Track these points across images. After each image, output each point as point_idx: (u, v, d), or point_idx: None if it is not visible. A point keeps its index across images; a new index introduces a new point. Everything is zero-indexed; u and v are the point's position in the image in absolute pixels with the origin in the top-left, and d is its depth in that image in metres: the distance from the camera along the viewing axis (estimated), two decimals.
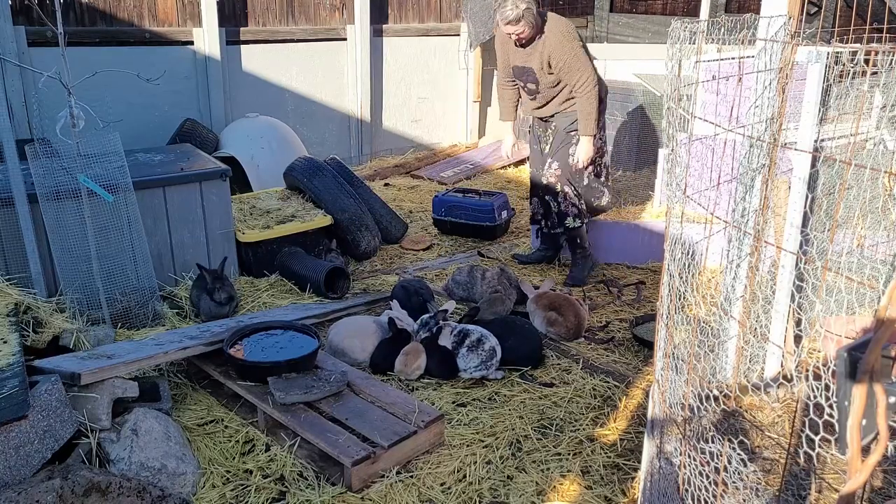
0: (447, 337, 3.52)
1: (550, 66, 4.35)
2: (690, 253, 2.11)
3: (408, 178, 7.45)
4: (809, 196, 2.38)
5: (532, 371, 3.59)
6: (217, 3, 6.34)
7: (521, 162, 7.76)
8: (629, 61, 7.82)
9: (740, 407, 2.36)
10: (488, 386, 3.45)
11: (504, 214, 5.61)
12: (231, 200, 4.58)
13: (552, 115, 4.63)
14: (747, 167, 2.38)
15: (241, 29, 6.66)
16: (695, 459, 1.81)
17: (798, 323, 2.64)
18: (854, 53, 2.11)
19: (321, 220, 4.85)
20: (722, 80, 4.32)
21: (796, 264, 2.42)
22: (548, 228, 4.84)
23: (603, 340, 3.94)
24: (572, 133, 4.57)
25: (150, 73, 3.91)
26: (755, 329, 2.53)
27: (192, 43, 6.37)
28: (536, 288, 4.14)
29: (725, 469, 1.84)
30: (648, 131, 7.38)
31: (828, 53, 2.28)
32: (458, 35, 8.19)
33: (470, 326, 3.57)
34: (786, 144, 2.43)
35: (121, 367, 2.87)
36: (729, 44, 2.21)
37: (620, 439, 3.04)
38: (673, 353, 2.07)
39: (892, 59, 2.53)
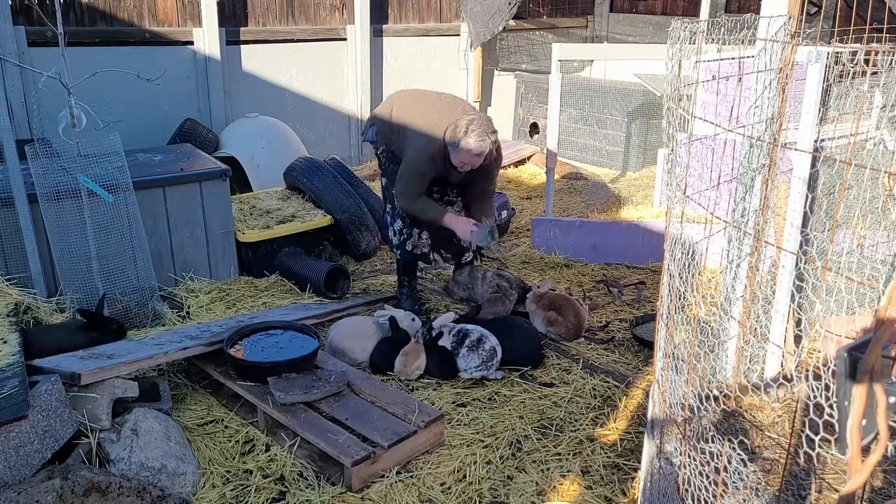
0: (446, 337, 3.52)
1: (474, 176, 3.95)
2: (690, 253, 2.11)
3: None
4: (809, 196, 2.38)
5: (532, 371, 3.59)
6: (217, 3, 6.34)
7: (521, 162, 7.77)
8: (629, 61, 7.82)
9: (740, 407, 2.36)
10: (488, 386, 3.45)
11: (504, 214, 5.60)
12: (231, 200, 4.58)
13: None
14: (747, 167, 2.38)
15: (241, 29, 6.66)
16: (695, 459, 1.81)
17: (798, 323, 2.64)
18: (854, 53, 2.11)
19: (321, 220, 4.85)
20: (722, 80, 4.33)
21: (796, 264, 2.42)
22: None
23: (603, 340, 3.94)
24: None
25: (150, 73, 3.92)
26: (755, 329, 2.53)
27: (192, 43, 6.37)
28: (537, 287, 4.15)
29: (725, 469, 1.84)
30: (648, 131, 7.39)
31: (828, 53, 2.28)
32: (458, 35, 8.19)
33: (470, 326, 3.57)
34: (786, 144, 2.43)
35: (121, 367, 2.87)
36: (729, 44, 2.21)
37: (620, 439, 3.04)
38: (673, 353, 2.07)
39: (892, 59, 2.54)
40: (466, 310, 4.12)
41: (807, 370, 1.64)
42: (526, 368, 3.58)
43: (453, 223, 3.88)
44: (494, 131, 3.69)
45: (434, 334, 3.53)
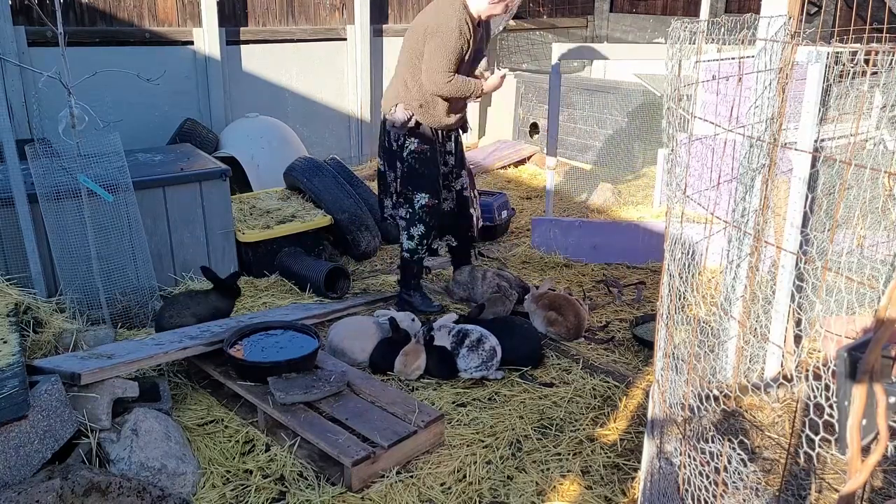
0: (446, 337, 3.52)
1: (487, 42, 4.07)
2: (690, 253, 2.11)
3: None
4: (809, 196, 2.38)
5: (532, 371, 3.59)
6: (217, 3, 6.34)
7: (521, 162, 7.77)
8: (629, 61, 7.82)
9: (740, 407, 2.36)
10: (488, 386, 3.45)
11: (504, 214, 5.61)
12: (231, 200, 4.58)
13: (463, 121, 4.23)
14: (747, 167, 2.38)
15: (241, 29, 6.66)
16: (695, 459, 1.81)
17: (798, 323, 2.64)
18: (854, 53, 2.11)
19: (321, 220, 4.85)
20: (722, 80, 4.32)
21: (796, 264, 2.42)
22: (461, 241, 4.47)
23: (603, 340, 3.94)
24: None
25: (150, 73, 3.91)
26: (755, 329, 2.53)
27: (192, 43, 6.37)
28: (536, 288, 4.14)
29: (725, 469, 1.84)
30: (648, 131, 7.38)
31: (828, 53, 2.28)
32: None
33: (469, 326, 3.57)
34: (786, 144, 2.43)
35: (121, 367, 2.87)
36: (729, 44, 2.21)
37: (620, 439, 3.04)
38: (673, 353, 2.07)
39: (892, 59, 2.53)
40: (467, 310, 4.11)
41: (807, 370, 1.64)
42: (526, 368, 3.58)
43: (488, 87, 3.99)
44: None
45: (432, 335, 3.53)
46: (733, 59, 4.30)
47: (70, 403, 2.57)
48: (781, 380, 2.35)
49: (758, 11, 2.45)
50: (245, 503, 2.64)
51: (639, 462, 2.80)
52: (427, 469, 2.82)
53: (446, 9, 3.79)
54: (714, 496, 1.74)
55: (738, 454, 1.96)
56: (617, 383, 3.46)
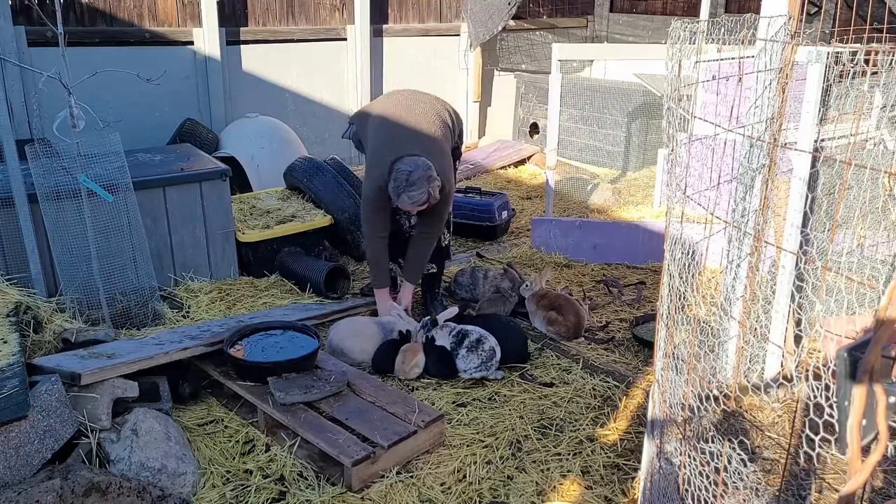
0: (445, 337, 3.52)
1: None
2: (690, 253, 2.11)
3: None
4: (809, 196, 2.38)
5: (532, 371, 3.59)
6: (217, 3, 6.33)
7: (521, 162, 7.77)
8: (629, 61, 7.82)
9: (740, 407, 2.37)
10: (488, 386, 3.45)
11: (504, 214, 5.61)
12: (231, 200, 4.58)
13: None
14: (747, 167, 2.38)
15: (241, 29, 6.66)
16: (695, 459, 1.81)
17: (798, 323, 2.64)
18: (854, 53, 2.11)
19: (321, 220, 4.85)
20: (722, 80, 4.32)
21: (796, 264, 2.42)
22: None
23: (603, 340, 3.94)
24: None
25: (150, 73, 3.91)
26: (755, 329, 2.53)
27: (192, 43, 6.37)
28: (537, 276, 4.12)
29: (725, 469, 1.84)
30: (648, 131, 7.39)
31: (828, 53, 2.28)
32: (458, 35, 8.19)
33: (469, 327, 3.57)
34: (786, 144, 2.43)
35: (121, 367, 2.87)
36: (729, 44, 2.21)
37: (620, 439, 3.04)
38: (673, 353, 2.07)
39: (892, 59, 2.53)
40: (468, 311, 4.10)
41: (807, 370, 1.64)
42: (525, 367, 3.58)
43: (378, 299, 4.02)
44: (435, 178, 3.57)
45: (430, 336, 3.52)
46: (733, 59, 4.30)
47: (70, 403, 2.57)
48: (781, 380, 2.35)
49: (758, 11, 2.45)
50: (245, 503, 2.64)
51: (639, 462, 2.80)
52: (427, 469, 2.82)
53: (382, 163, 3.67)
54: (714, 496, 1.74)
55: (738, 454, 1.96)
56: (617, 383, 3.46)
